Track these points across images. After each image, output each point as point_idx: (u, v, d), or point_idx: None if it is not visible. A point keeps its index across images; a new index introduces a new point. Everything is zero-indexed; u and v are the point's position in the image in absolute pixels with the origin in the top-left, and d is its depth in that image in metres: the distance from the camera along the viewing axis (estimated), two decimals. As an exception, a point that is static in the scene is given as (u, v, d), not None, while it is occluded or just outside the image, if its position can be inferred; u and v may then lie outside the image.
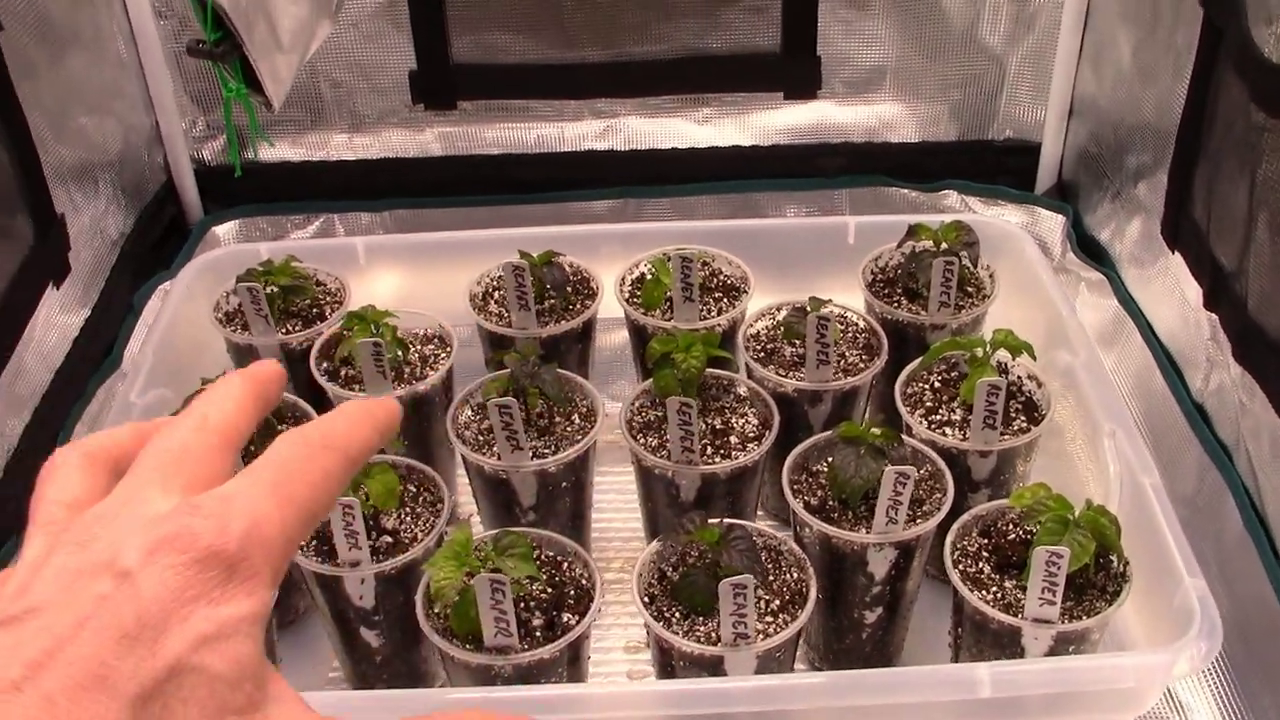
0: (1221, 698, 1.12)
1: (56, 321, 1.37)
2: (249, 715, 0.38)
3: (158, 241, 1.64)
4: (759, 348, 1.31)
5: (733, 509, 1.18)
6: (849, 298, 1.36)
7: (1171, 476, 1.22)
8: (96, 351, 1.44)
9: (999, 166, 1.70)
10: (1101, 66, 1.57)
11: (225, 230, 1.68)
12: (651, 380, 1.21)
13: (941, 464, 1.14)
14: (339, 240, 1.48)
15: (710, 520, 1.04)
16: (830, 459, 1.14)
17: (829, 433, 1.16)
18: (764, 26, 1.62)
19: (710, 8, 1.61)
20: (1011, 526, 1.09)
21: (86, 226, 1.46)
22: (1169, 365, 1.37)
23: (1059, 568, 0.96)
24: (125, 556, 0.38)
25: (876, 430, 1.11)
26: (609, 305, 1.38)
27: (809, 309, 1.26)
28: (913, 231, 1.36)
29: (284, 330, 1.34)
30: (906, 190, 1.69)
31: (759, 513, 1.27)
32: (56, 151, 1.38)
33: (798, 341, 1.29)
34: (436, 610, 1.02)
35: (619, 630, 1.24)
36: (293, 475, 0.42)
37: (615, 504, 1.38)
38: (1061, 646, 1.00)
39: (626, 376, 1.54)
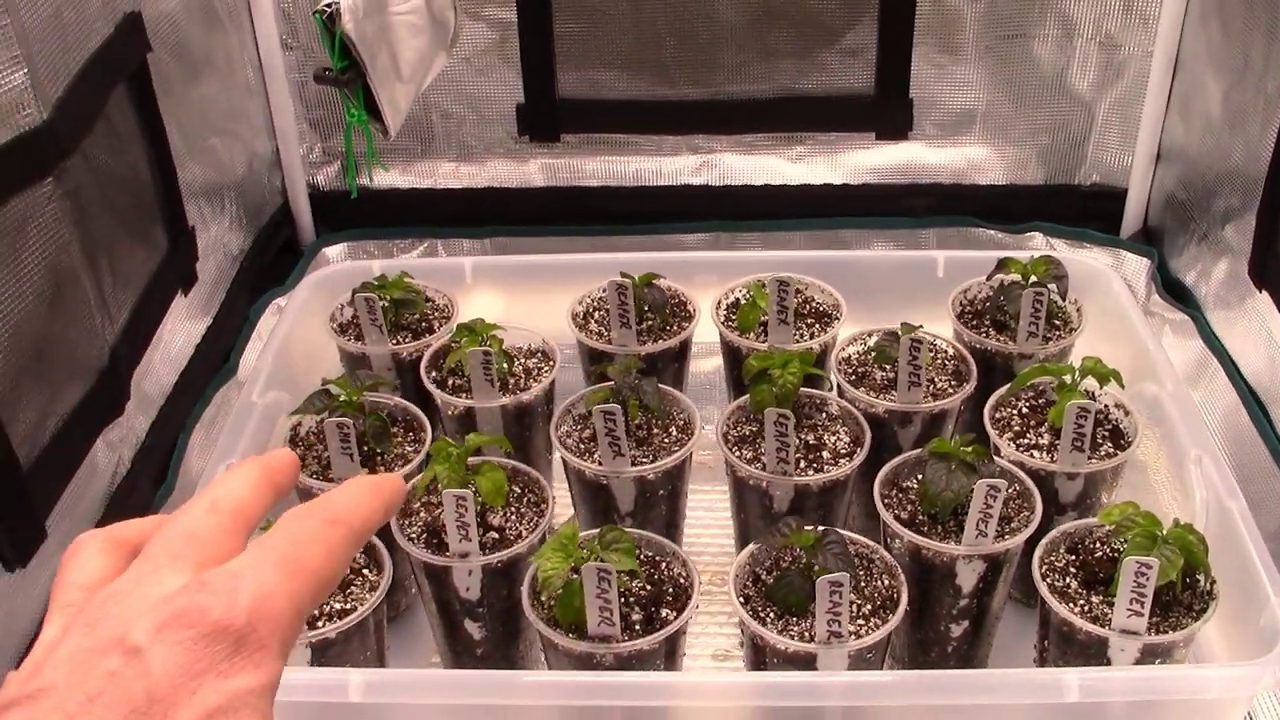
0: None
1: (182, 328, 1.45)
2: None
3: (273, 260, 1.72)
4: (850, 371, 1.35)
5: (823, 522, 1.22)
6: (938, 329, 1.40)
7: (1258, 513, 1.24)
8: (215, 359, 1.52)
9: (1085, 211, 1.74)
10: (1190, 113, 1.61)
11: (335, 251, 1.76)
12: (748, 396, 1.26)
13: (1030, 484, 1.17)
14: (447, 260, 1.55)
15: (805, 528, 1.08)
16: (920, 475, 1.18)
17: (920, 450, 1.20)
18: (858, 68, 1.68)
19: (807, 49, 1.67)
20: (1099, 545, 1.12)
21: (211, 242, 1.54)
22: (1255, 403, 1.39)
23: (1148, 578, 0.99)
24: (135, 634, 0.39)
25: (967, 448, 1.15)
26: (703, 330, 1.43)
27: (901, 333, 1.30)
28: (1002, 265, 1.41)
29: (395, 341, 1.41)
30: (993, 231, 1.73)
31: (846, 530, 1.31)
32: (189, 169, 1.47)
33: (889, 366, 1.33)
34: (542, 599, 1.06)
35: (707, 639, 1.28)
36: (300, 549, 0.44)
37: (705, 520, 1.43)
38: (1147, 659, 1.03)
39: (717, 402, 1.58)
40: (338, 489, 0.49)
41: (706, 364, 1.61)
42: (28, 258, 1.08)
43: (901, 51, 1.66)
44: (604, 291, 1.42)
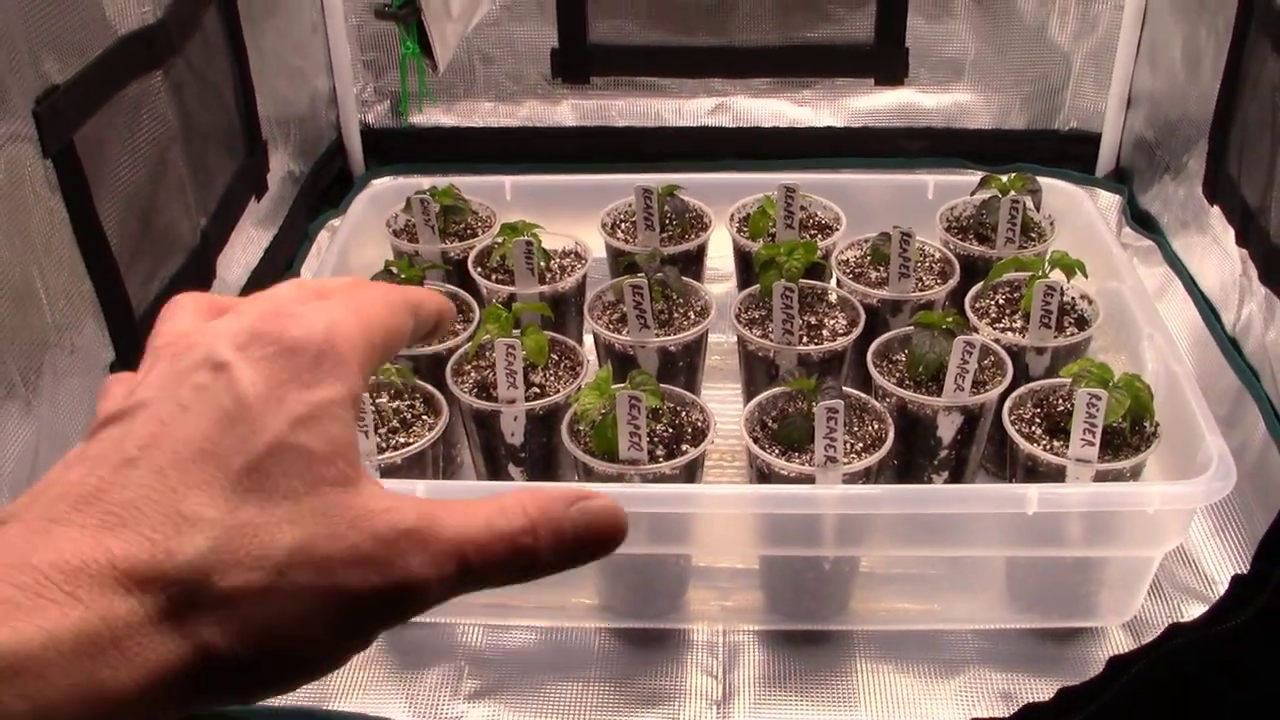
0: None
1: (253, 234, 1.63)
2: (342, 487, 0.40)
3: (327, 188, 1.90)
4: (848, 270, 1.53)
5: (823, 390, 1.40)
6: (929, 241, 1.58)
7: (1209, 401, 1.41)
8: (279, 265, 1.69)
9: (1063, 153, 1.92)
10: (1157, 60, 1.79)
11: (383, 182, 1.93)
12: (758, 285, 1.44)
13: (1003, 354, 1.34)
14: (488, 179, 1.72)
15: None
16: (908, 346, 1.36)
17: (908, 327, 1.37)
18: (860, 19, 1.86)
19: (813, 1, 1.85)
20: (1062, 401, 1.29)
21: (276, 164, 1.72)
22: (1208, 308, 1.56)
23: (1098, 409, 1.16)
24: (219, 352, 0.41)
25: (949, 317, 1.32)
26: (715, 253, 1.61)
27: (893, 232, 1.48)
28: (984, 182, 1.58)
29: (445, 243, 1.59)
30: (980, 172, 1.90)
31: (843, 408, 1.48)
32: (262, 97, 1.65)
33: (883, 266, 1.51)
34: (579, 429, 1.24)
35: (719, 500, 1.45)
36: (364, 299, 0.45)
37: (717, 411, 1.60)
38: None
39: (728, 320, 1.76)
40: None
41: (718, 287, 1.78)
42: (141, 137, 1.26)
43: (899, 4, 1.84)
44: (630, 205, 1.60)
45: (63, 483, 0.38)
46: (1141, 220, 1.81)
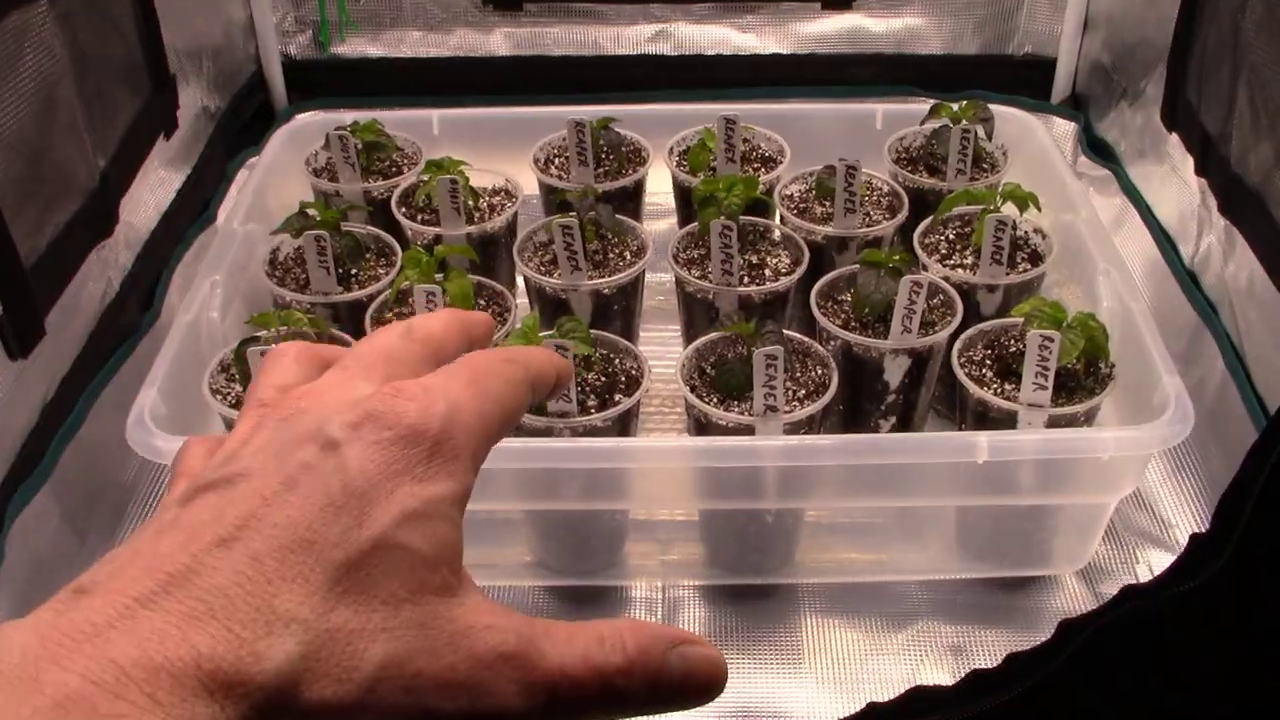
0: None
1: (164, 175, 1.54)
2: (444, 597, 0.38)
3: (247, 124, 1.80)
4: (792, 206, 1.46)
5: (765, 333, 1.33)
6: (875, 172, 1.51)
7: (1166, 336, 1.35)
8: (195, 206, 1.60)
9: (1017, 79, 1.84)
10: (1114, -19, 1.71)
11: (307, 117, 1.83)
12: (697, 223, 1.36)
13: (953, 293, 1.28)
14: (415, 113, 1.63)
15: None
16: (854, 286, 1.29)
17: (854, 265, 1.31)
18: (805, -61, 1.77)
19: (756, -79, 1.77)
20: (1013, 342, 1.23)
21: (190, 99, 1.62)
22: (1165, 241, 1.50)
23: (1051, 352, 1.10)
24: (331, 429, 0.39)
25: (896, 256, 1.26)
26: (654, 188, 1.53)
27: (838, 165, 1.40)
28: (934, 111, 1.51)
29: (367, 181, 1.50)
30: (931, 100, 1.83)
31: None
32: (169, 25, 1.54)
33: (828, 201, 1.44)
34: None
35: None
36: (482, 376, 0.43)
37: (658, 354, 1.53)
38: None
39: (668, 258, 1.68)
40: (518, 346, 0.54)
41: (660, 224, 1.71)
42: (24, 72, 1.16)
43: (846, -78, 1.76)
44: (564, 139, 1.52)
45: (152, 554, 0.36)
46: (1098, 148, 1.75)
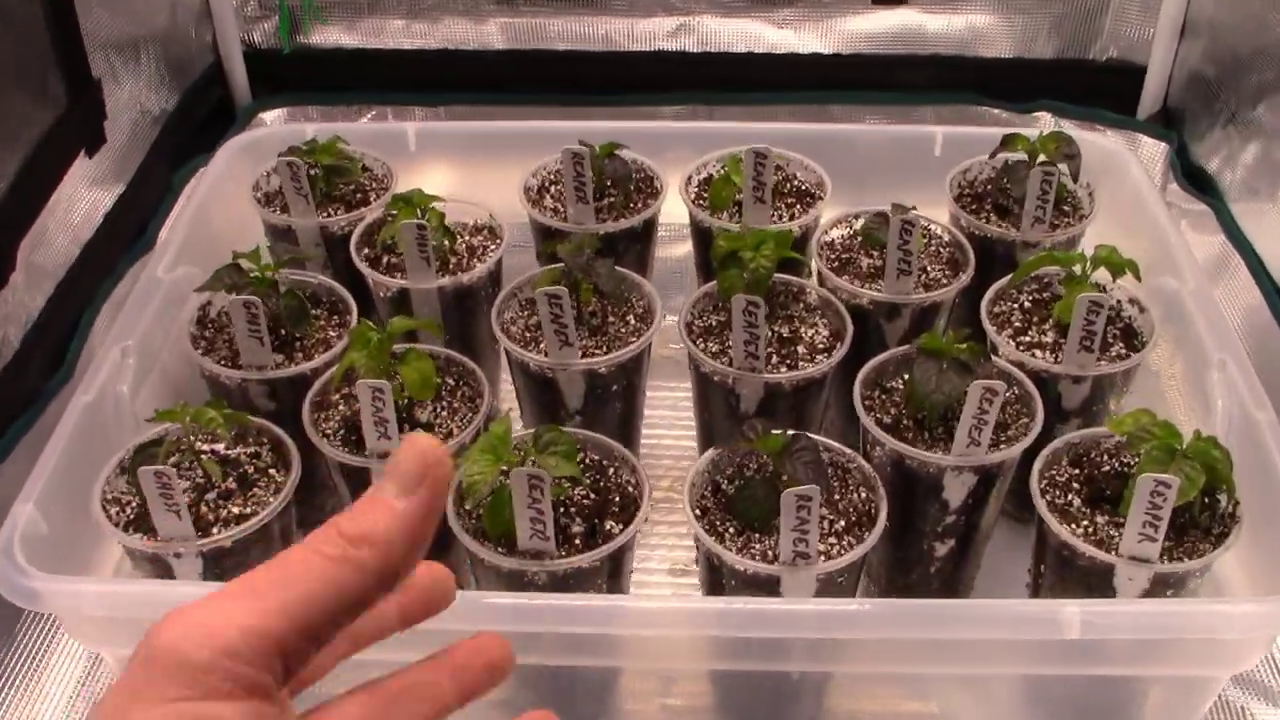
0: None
1: (86, 195, 1.30)
2: None
3: (202, 124, 1.56)
4: (833, 257, 1.21)
5: (796, 424, 1.08)
6: (933, 212, 1.26)
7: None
8: (129, 230, 1.37)
9: (1099, 88, 1.58)
10: (1223, -20, 1.44)
11: (273, 117, 1.60)
12: (715, 281, 1.12)
13: (1030, 386, 1.03)
14: (389, 125, 1.39)
15: (773, 431, 0.94)
16: (907, 375, 1.04)
17: (908, 346, 1.06)
18: (854, -80, 1.51)
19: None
20: (1107, 457, 0.99)
21: (126, 100, 1.38)
22: (1276, 294, 1.25)
23: (1165, 499, 0.86)
24: None
25: (962, 345, 1.01)
26: (672, 210, 1.28)
27: (891, 214, 1.15)
28: (1007, 142, 1.25)
29: (325, 213, 1.26)
30: (996, 110, 1.57)
31: (820, 433, 1.17)
32: (95, 14, 1.30)
33: (876, 252, 1.19)
34: (468, 508, 0.93)
35: (664, 551, 1.16)
36: (282, 589, 0.40)
37: (668, 419, 1.30)
38: (1158, 589, 0.90)
39: (686, 290, 1.44)
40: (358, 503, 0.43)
41: (677, 249, 1.46)
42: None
43: (903, -98, 1.49)
44: (561, 163, 1.27)
45: None
46: (1194, 177, 1.49)
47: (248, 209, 1.28)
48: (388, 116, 1.60)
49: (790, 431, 0.96)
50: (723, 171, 1.27)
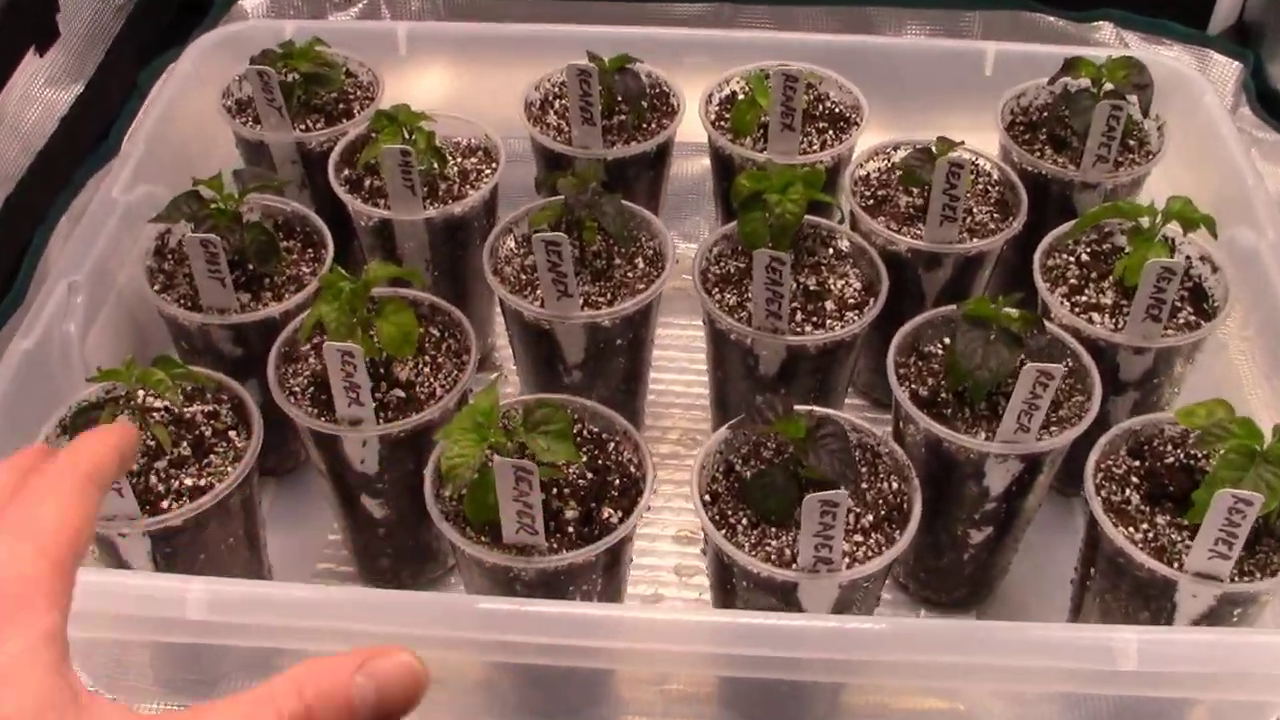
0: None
1: (39, 95, 1.17)
2: None
3: (175, 14, 1.42)
4: (868, 194, 1.08)
5: (820, 389, 0.97)
6: (981, 140, 1.12)
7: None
8: (88, 137, 1.24)
9: (1167, -2, 1.42)
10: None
11: (254, 4, 1.45)
12: (736, 224, 0.99)
13: (1086, 359, 0.92)
14: (377, 24, 1.25)
15: (796, 407, 0.83)
16: (949, 340, 0.93)
17: (950, 308, 0.94)
18: None
19: None
20: (1171, 447, 0.87)
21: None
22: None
23: (1245, 517, 0.74)
24: None
25: (1012, 312, 0.89)
26: (689, 127, 1.15)
27: (936, 151, 1.02)
28: (1069, 66, 1.11)
29: (302, 127, 1.13)
30: (1052, 18, 1.42)
31: (849, 389, 1.06)
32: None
33: (916, 190, 1.06)
34: (449, 492, 0.82)
35: (670, 515, 1.06)
36: (38, 511, 0.43)
37: (679, 363, 1.19)
38: (1225, 609, 0.79)
39: (704, 213, 1.32)
40: (70, 444, 0.49)
41: (695, 165, 1.33)
42: None
43: None
44: (566, 77, 1.13)
45: None
46: (1269, 101, 1.34)
47: (218, 117, 1.15)
48: (380, 8, 1.46)
49: (815, 411, 0.85)
50: (747, 91, 1.13)
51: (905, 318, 0.98)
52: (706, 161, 1.22)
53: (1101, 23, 1.41)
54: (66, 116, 1.20)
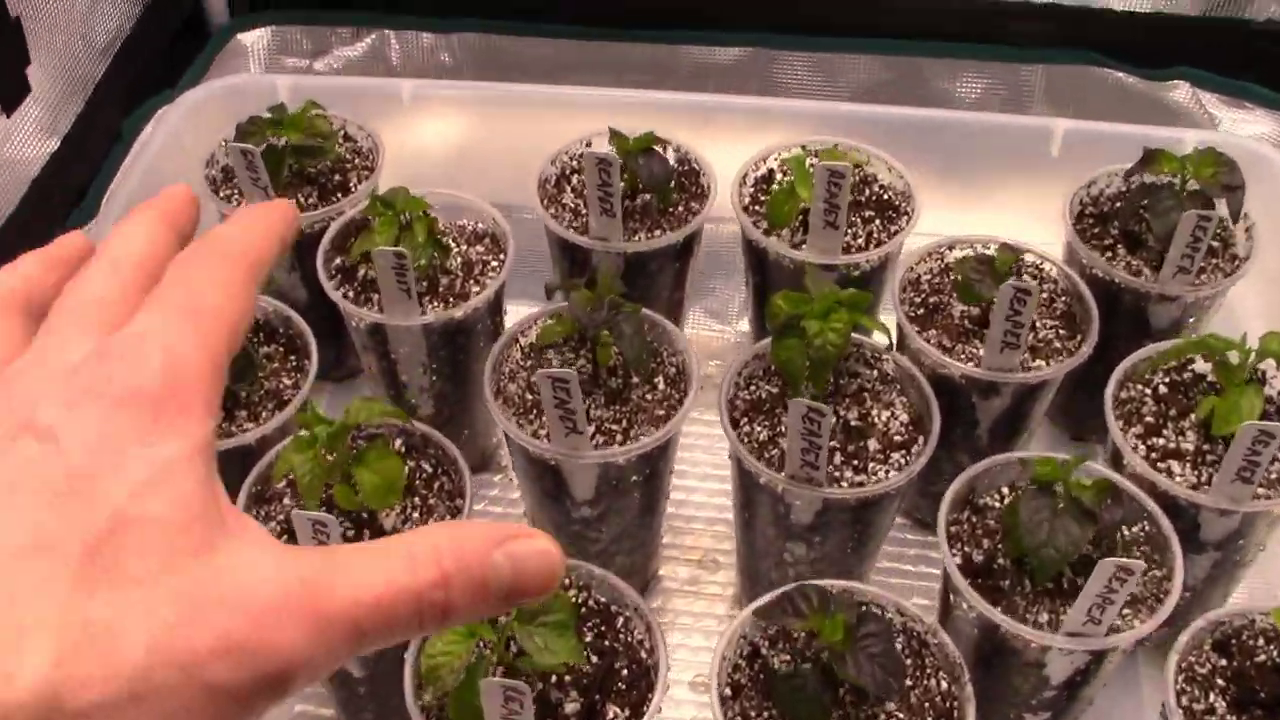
0: None
1: (18, 155, 1.07)
2: (205, 557, 0.34)
3: (166, 50, 1.31)
4: (918, 300, 0.96)
5: (858, 539, 0.87)
6: (1043, 231, 1.01)
7: None
8: (66, 195, 1.13)
9: (1252, 56, 1.29)
10: None
11: (254, 40, 1.34)
12: (768, 343, 0.88)
13: (1165, 524, 0.80)
14: (379, 80, 1.14)
15: (833, 590, 0.72)
16: (1007, 491, 0.82)
17: (1010, 457, 0.83)
18: None
19: None
20: (1263, 642, 0.76)
21: (54, 24, 1.12)
22: None
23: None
24: (44, 414, 0.35)
25: (1085, 481, 0.77)
26: (721, 198, 1.03)
27: (997, 263, 0.91)
28: (1149, 159, 0.98)
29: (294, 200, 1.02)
30: (1123, 75, 1.29)
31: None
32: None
33: (973, 303, 0.94)
34: (428, 699, 0.72)
35: (686, 653, 0.95)
36: (198, 296, 0.39)
37: (701, 467, 1.08)
38: None
39: (734, 283, 1.20)
40: (225, 224, 0.42)
41: (724, 230, 1.21)
42: None
43: None
44: (588, 143, 1.03)
45: None
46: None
47: (203, 182, 1.04)
48: (388, 42, 1.34)
49: (855, 595, 0.74)
50: (786, 180, 1.02)
51: (955, 446, 0.87)
52: (737, 228, 1.10)
53: (1178, 82, 1.28)
54: (39, 176, 1.09)
